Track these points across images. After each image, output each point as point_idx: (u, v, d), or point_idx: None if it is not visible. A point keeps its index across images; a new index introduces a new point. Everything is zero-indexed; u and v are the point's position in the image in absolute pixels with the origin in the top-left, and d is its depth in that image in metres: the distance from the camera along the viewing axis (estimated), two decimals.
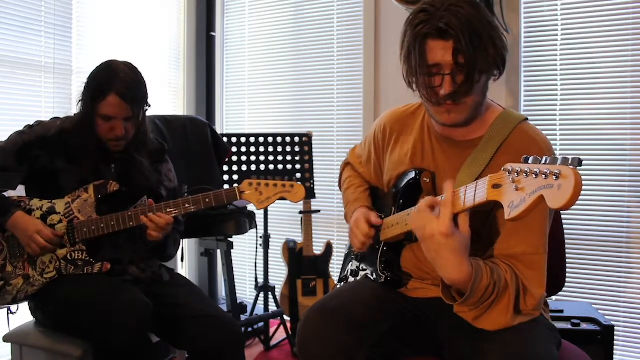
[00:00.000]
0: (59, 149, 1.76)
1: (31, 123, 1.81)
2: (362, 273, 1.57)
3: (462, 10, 1.19)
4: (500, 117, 1.34)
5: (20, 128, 1.80)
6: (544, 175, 0.87)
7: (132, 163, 1.82)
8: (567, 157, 0.86)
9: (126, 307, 1.56)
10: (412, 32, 1.24)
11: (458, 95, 1.23)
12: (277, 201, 1.75)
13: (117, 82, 1.68)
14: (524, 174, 0.91)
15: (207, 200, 1.72)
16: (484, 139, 1.31)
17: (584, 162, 2.59)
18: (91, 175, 1.77)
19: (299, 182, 1.76)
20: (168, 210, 1.72)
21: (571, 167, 0.84)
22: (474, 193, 1.05)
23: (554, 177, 0.85)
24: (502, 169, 0.98)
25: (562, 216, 1.72)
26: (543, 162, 0.90)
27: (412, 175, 1.38)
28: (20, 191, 1.85)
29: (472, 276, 1.12)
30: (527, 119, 1.34)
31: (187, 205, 1.72)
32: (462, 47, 1.18)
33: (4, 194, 1.76)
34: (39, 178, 1.77)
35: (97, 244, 1.76)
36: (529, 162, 0.92)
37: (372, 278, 1.49)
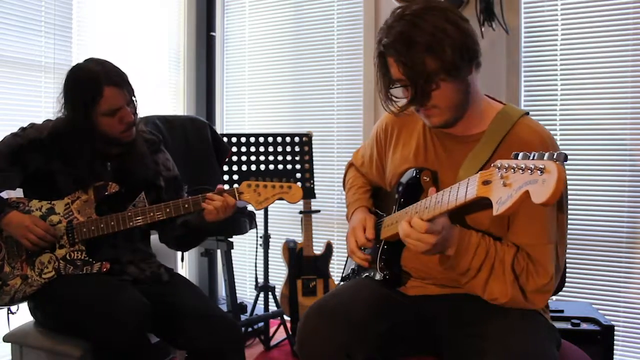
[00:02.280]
0: (53, 151, 1.74)
1: (25, 125, 1.80)
2: (363, 272, 1.57)
3: (403, 26, 1.24)
4: (502, 112, 1.35)
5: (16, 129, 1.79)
6: (529, 171, 0.88)
7: (129, 155, 1.82)
8: (553, 152, 0.87)
9: (125, 308, 1.56)
10: (375, 50, 1.33)
11: (415, 104, 1.29)
12: (277, 201, 1.76)
13: (103, 76, 1.68)
14: (512, 170, 0.92)
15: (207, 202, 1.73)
16: (485, 134, 1.32)
17: (584, 162, 2.57)
18: (87, 175, 1.76)
19: (298, 183, 1.77)
20: (167, 210, 1.72)
21: (556, 162, 0.85)
22: (465, 190, 1.07)
23: (539, 172, 0.86)
24: (492, 165, 0.99)
25: None
26: (531, 157, 0.90)
27: (412, 174, 1.38)
28: (19, 192, 1.85)
29: (459, 233, 1.24)
30: (528, 113, 1.36)
31: (186, 206, 1.72)
32: (400, 64, 1.25)
33: (3, 194, 1.76)
34: (34, 180, 1.77)
35: (95, 244, 1.76)
36: (519, 158, 0.93)
37: (372, 277, 1.49)
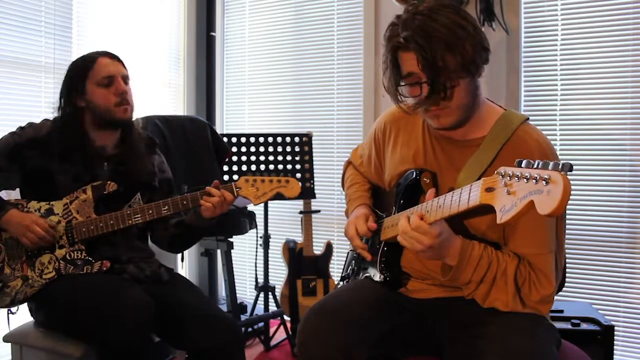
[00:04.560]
0: (51, 150, 1.75)
1: (23, 125, 1.81)
2: (363, 272, 1.57)
3: (423, 20, 1.22)
4: (502, 118, 1.34)
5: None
6: (534, 180, 0.87)
7: (127, 154, 1.82)
8: (558, 162, 0.86)
9: (129, 306, 1.55)
10: (386, 46, 1.30)
11: (434, 101, 1.26)
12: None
13: (98, 52, 1.79)
14: (516, 178, 0.92)
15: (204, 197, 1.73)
16: (486, 139, 1.32)
17: (584, 162, 2.57)
18: (85, 173, 1.77)
19: (295, 178, 1.78)
20: (166, 207, 1.72)
21: (561, 172, 0.84)
22: (468, 196, 1.06)
23: (544, 182, 0.85)
24: (496, 172, 0.98)
25: None
26: (535, 166, 0.89)
27: (413, 175, 1.38)
28: (18, 194, 1.85)
29: (462, 245, 1.24)
30: (528, 118, 1.35)
31: (185, 203, 1.72)
32: (421, 58, 1.21)
33: (2, 194, 1.76)
34: (33, 180, 1.77)
35: (93, 243, 1.75)
36: (522, 165, 0.92)
37: (372, 278, 1.49)
